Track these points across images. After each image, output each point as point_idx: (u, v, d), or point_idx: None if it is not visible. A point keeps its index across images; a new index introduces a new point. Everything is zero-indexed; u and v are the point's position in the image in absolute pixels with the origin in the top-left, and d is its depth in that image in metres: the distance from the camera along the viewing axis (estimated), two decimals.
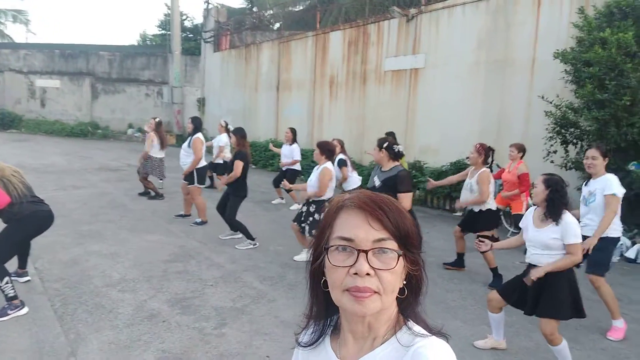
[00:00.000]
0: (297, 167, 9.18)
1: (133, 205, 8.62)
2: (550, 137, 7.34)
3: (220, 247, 6.36)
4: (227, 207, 6.40)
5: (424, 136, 10.53)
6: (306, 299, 1.01)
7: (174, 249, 6.16)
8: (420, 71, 10.63)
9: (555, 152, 7.39)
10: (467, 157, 5.87)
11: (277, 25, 18.77)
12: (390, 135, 7.23)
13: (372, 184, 4.69)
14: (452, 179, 6.17)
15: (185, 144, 7.54)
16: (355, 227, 0.89)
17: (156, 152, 9.05)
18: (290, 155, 9.08)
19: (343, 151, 7.38)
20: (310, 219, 5.48)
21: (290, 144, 9.09)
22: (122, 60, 22.26)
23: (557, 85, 7.60)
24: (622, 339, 4.07)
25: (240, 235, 6.50)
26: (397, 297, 0.91)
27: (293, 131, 9.21)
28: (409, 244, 0.90)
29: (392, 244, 0.88)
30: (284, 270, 5.50)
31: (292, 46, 15.02)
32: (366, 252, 0.86)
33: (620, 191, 4.07)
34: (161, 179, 9.44)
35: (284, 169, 9.12)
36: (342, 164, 7.04)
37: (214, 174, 10.05)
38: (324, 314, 0.99)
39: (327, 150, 5.56)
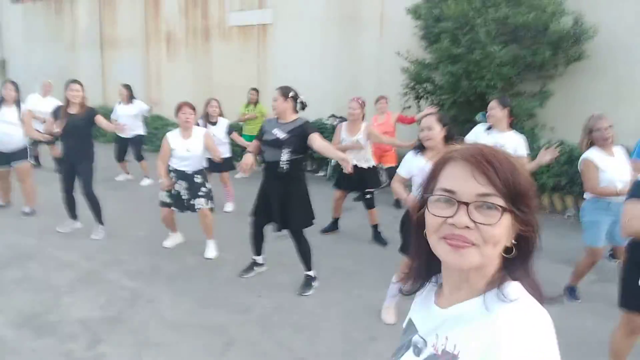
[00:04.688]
0: (141, 131, 8.09)
1: None
2: (405, 93, 7.56)
3: (66, 240, 5.23)
4: (81, 180, 5.20)
5: None
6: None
7: (2, 250, 4.89)
8: (268, 27, 10.08)
9: (409, 107, 7.62)
10: (338, 118, 5.73)
11: None
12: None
13: (273, 137, 3.95)
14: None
15: (11, 114, 5.92)
16: (459, 179, 0.86)
17: None
18: (134, 114, 7.93)
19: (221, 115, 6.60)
20: (204, 190, 4.79)
21: (129, 103, 7.96)
22: None
23: (408, 41, 7.76)
24: None
25: (80, 225, 5.55)
26: (503, 257, 0.87)
27: (129, 88, 8.04)
28: (520, 202, 0.85)
29: (498, 200, 0.83)
30: (156, 261, 4.70)
31: None
32: (467, 204, 0.83)
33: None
34: None
35: (127, 136, 7.83)
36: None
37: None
38: (425, 267, 0.98)
39: None
